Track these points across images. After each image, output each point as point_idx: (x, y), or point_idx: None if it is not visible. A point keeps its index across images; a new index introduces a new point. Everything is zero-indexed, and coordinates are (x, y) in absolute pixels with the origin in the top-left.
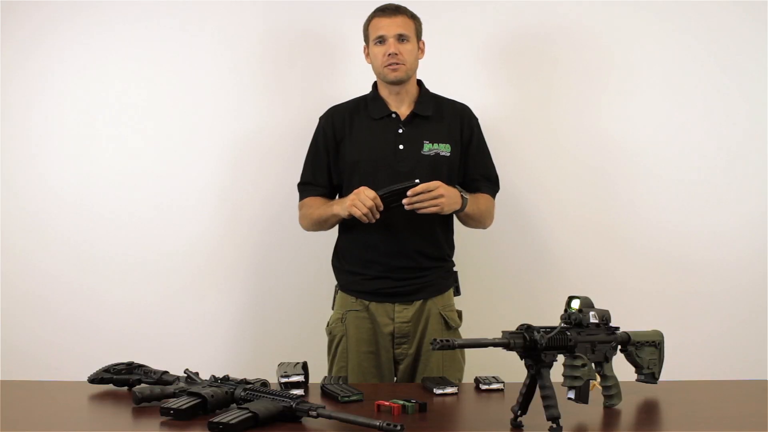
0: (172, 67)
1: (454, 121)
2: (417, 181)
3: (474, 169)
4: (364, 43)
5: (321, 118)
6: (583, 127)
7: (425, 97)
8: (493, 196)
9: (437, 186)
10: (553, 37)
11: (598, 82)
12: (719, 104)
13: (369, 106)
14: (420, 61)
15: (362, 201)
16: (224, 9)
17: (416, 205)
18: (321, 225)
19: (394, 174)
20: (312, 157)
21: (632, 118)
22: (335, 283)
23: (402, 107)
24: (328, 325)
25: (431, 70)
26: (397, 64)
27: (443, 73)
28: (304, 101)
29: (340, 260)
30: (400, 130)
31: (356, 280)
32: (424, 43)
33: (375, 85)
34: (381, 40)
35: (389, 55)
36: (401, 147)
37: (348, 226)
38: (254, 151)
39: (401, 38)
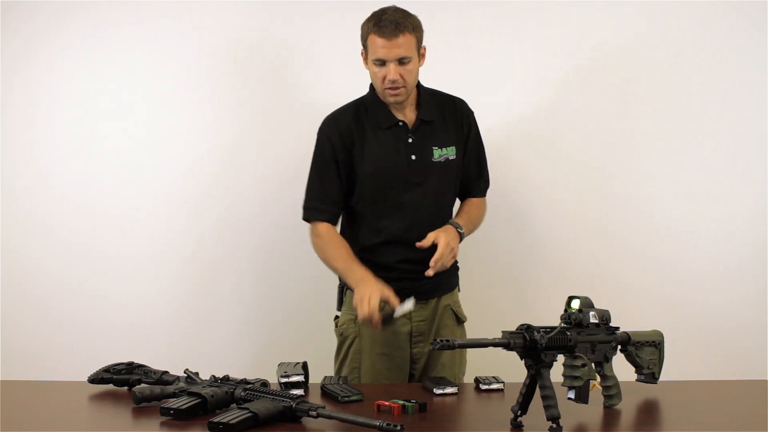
0: (173, 67)
1: (455, 121)
2: (413, 300)
3: (470, 167)
4: (362, 48)
5: (323, 129)
6: (583, 128)
7: (426, 99)
8: (485, 194)
9: (446, 242)
10: (552, 36)
11: (598, 83)
12: (719, 105)
13: (371, 111)
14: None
15: (369, 311)
16: (224, 10)
17: (439, 267)
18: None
19: (407, 185)
20: (318, 172)
21: (632, 119)
22: (337, 283)
23: (407, 112)
24: (337, 326)
25: (428, 67)
26: (398, 88)
27: (442, 71)
28: (306, 98)
29: None
30: (410, 140)
31: None
32: (425, 48)
33: (373, 85)
34: (380, 62)
35: (390, 80)
36: (413, 157)
37: (364, 248)
38: (255, 151)
39: (402, 61)
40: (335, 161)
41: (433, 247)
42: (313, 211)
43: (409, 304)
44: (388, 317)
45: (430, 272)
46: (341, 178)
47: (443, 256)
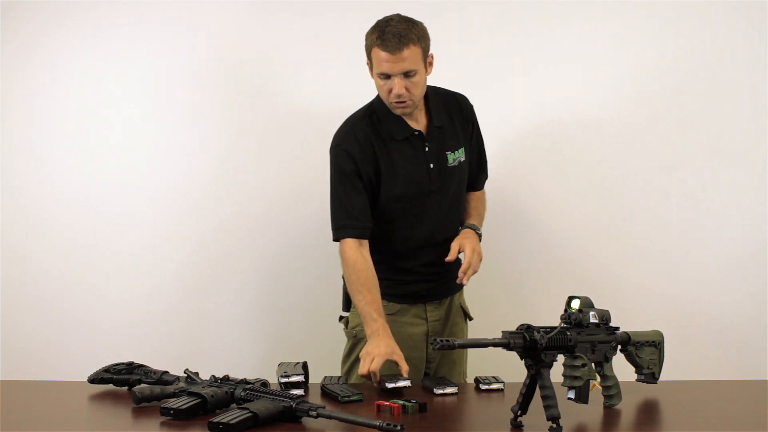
0: (174, 67)
1: (460, 121)
2: (408, 381)
3: (473, 162)
4: (366, 58)
5: (339, 144)
6: (584, 128)
7: (435, 102)
8: (484, 185)
9: (472, 249)
10: (552, 36)
11: (597, 83)
12: (719, 104)
13: (384, 121)
14: None
15: (368, 372)
16: (225, 10)
17: (470, 273)
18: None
19: (428, 194)
20: (343, 187)
21: (632, 119)
22: (341, 283)
23: (419, 118)
24: (348, 328)
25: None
26: (404, 101)
27: (443, 71)
28: (307, 99)
29: None
30: (427, 148)
31: (390, 285)
32: (432, 56)
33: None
34: (385, 76)
35: (396, 95)
36: (432, 165)
37: (388, 256)
38: (256, 151)
39: (407, 74)
40: (358, 175)
41: (452, 268)
42: (342, 229)
43: (406, 382)
44: (382, 381)
45: (464, 281)
46: (367, 191)
47: (473, 264)
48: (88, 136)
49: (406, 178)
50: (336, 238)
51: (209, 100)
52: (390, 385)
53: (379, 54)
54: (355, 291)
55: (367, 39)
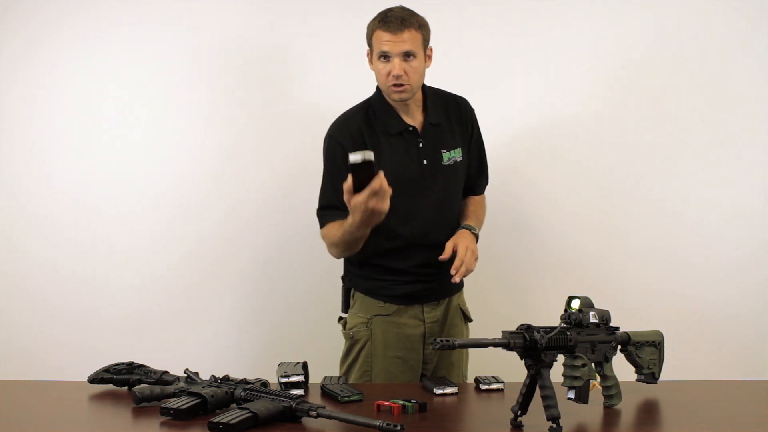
0: (173, 67)
1: (459, 122)
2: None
3: (472, 166)
4: (367, 47)
5: (333, 135)
6: (583, 128)
7: (433, 101)
8: (484, 190)
9: (465, 247)
10: (552, 36)
11: (597, 83)
12: (720, 104)
13: (379, 115)
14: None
15: (377, 206)
16: (224, 10)
17: (463, 270)
18: (352, 246)
19: (420, 190)
20: (331, 179)
21: (632, 119)
22: (341, 284)
23: (415, 115)
24: (345, 329)
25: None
26: (402, 85)
27: (444, 71)
28: (306, 99)
29: (363, 268)
30: (421, 144)
31: (385, 285)
32: (432, 50)
33: (379, 87)
34: (385, 56)
35: (394, 76)
36: (425, 162)
37: (379, 253)
38: (255, 151)
39: (407, 56)
40: (346, 168)
41: (447, 267)
42: (324, 215)
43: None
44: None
45: (456, 278)
46: None
47: (466, 261)
48: (88, 136)
49: (398, 173)
50: (322, 226)
51: (209, 100)
52: (355, 159)
53: (381, 35)
54: (331, 237)
55: (368, 27)
